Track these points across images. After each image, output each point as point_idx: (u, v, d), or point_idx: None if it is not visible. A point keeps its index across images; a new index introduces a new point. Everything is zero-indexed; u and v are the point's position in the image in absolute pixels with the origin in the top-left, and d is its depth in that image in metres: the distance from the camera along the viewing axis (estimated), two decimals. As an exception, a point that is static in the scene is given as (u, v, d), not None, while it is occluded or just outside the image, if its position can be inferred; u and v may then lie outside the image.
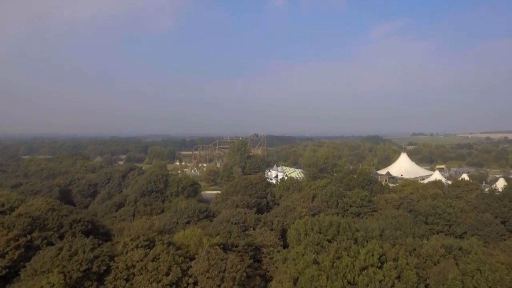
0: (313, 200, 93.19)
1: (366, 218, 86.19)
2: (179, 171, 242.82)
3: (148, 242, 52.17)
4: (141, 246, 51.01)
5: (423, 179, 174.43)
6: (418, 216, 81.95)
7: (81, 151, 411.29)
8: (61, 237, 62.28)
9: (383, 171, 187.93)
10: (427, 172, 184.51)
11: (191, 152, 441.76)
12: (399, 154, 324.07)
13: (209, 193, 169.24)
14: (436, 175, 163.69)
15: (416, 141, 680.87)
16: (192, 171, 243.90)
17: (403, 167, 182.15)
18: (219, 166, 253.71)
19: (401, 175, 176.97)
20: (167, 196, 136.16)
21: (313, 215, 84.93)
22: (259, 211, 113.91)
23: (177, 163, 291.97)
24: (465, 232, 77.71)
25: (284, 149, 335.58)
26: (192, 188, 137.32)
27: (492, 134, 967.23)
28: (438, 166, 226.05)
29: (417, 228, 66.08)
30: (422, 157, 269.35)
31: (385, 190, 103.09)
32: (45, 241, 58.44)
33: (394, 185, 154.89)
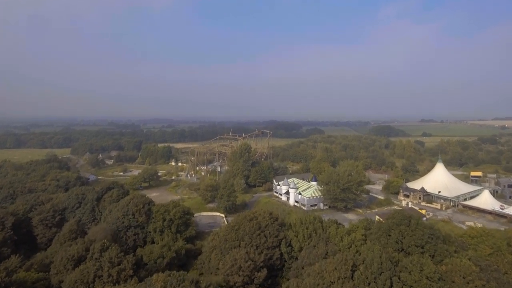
0: (352, 275, 62.68)
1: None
2: (173, 177, 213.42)
3: None
4: None
5: (465, 199, 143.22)
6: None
7: (72, 145, 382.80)
8: None
9: (415, 184, 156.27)
10: (470, 188, 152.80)
11: (190, 146, 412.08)
12: (419, 149, 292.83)
13: (205, 214, 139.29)
14: (486, 196, 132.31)
15: (428, 130, 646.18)
16: (188, 175, 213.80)
17: (440, 181, 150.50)
18: (219, 169, 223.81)
19: (439, 192, 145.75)
20: (150, 232, 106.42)
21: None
22: (271, 268, 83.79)
23: (173, 163, 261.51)
24: None
25: (292, 147, 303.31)
26: (182, 221, 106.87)
27: (506, 122, 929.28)
28: (473, 173, 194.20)
29: None
30: (450, 159, 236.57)
31: (451, 247, 72.14)
32: None
33: (449, 217, 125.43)
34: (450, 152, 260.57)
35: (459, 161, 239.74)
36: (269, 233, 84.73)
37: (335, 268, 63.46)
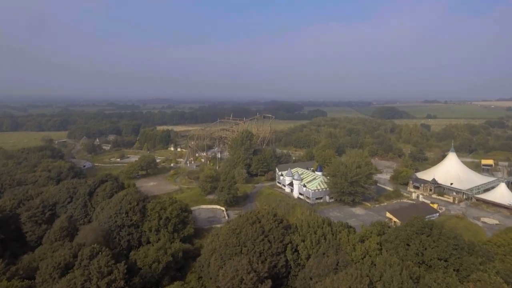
0: (370, 294, 55.62)
1: None
2: (172, 164, 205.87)
3: None
4: None
5: (478, 191, 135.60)
6: None
7: (69, 127, 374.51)
8: None
9: (425, 175, 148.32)
10: (484, 179, 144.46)
11: (190, 128, 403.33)
12: (426, 134, 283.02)
13: (205, 208, 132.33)
14: (502, 190, 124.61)
15: (432, 111, 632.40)
16: (188, 163, 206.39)
17: (452, 172, 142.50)
18: (219, 155, 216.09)
19: (451, 184, 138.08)
20: (145, 231, 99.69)
21: None
22: (275, 278, 77.19)
23: (172, 149, 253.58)
24: None
25: (295, 131, 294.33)
26: (180, 219, 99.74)
27: (511, 103, 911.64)
28: (484, 162, 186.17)
29: None
30: (459, 145, 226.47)
31: (477, 259, 64.82)
32: None
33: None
34: (459, 137, 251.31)
35: (469, 148, 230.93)
36: (274, 237, 77.49)
37: (349, 287, 56.39)
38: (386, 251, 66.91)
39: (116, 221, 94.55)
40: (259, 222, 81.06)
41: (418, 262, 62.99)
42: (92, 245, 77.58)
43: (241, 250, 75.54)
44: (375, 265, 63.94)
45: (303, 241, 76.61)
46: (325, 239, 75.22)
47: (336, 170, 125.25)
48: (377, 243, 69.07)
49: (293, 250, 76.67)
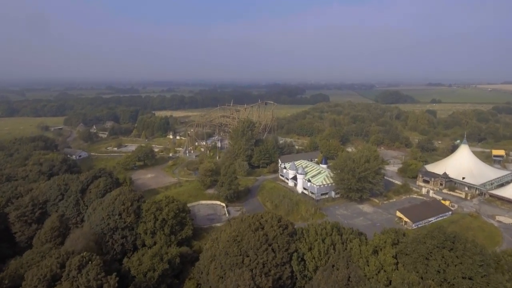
0: (387, 322, 49.35)
1: None
2: (170, 154, 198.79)
3: None
4: None
5: (491, 186, 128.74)
6: None
7: (66, 112, 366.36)
8: None
9: (435, 168, 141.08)
10: (498, 173, 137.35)
11: (190, 114, 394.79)
12: (433, 121, 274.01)
13: (204, 203, 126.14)
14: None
15: (437, 95, 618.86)
16: (187, 152, 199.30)
17: (465, 165, 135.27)
18: (219, 144, 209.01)
19: (463, 178, 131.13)
20: (140, 234, 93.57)
21: None
22: (280, 290, 71.48)
23: (170, 136, 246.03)
24: None
25: (297, 118, 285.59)
26: (177, 220, 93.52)
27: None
28: (495, 152, 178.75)
29: None
30: (468, 134, 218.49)
31: (503, 274, 58.53)
32: None
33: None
34: (467, 125, 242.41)
35: (478, 136, 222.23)
36: (278, 246, 71.23)
37: (365, 311, 50.24)
38: (403, 266, 60.55)
39: (108, 224, 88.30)
40: (262, 228, 74.65)
41: (440, 281, 56.65)
42: (82, 254, 71.49)
43: (243, 261, 69.32)
44: (390, 282, 57.93)
45: (310, 250, 70.44)
46: (334, 249, 68.95)
47: (343, 165, 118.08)
48: (393, 256, 62.53)
49: (299, 259, 70.56)
